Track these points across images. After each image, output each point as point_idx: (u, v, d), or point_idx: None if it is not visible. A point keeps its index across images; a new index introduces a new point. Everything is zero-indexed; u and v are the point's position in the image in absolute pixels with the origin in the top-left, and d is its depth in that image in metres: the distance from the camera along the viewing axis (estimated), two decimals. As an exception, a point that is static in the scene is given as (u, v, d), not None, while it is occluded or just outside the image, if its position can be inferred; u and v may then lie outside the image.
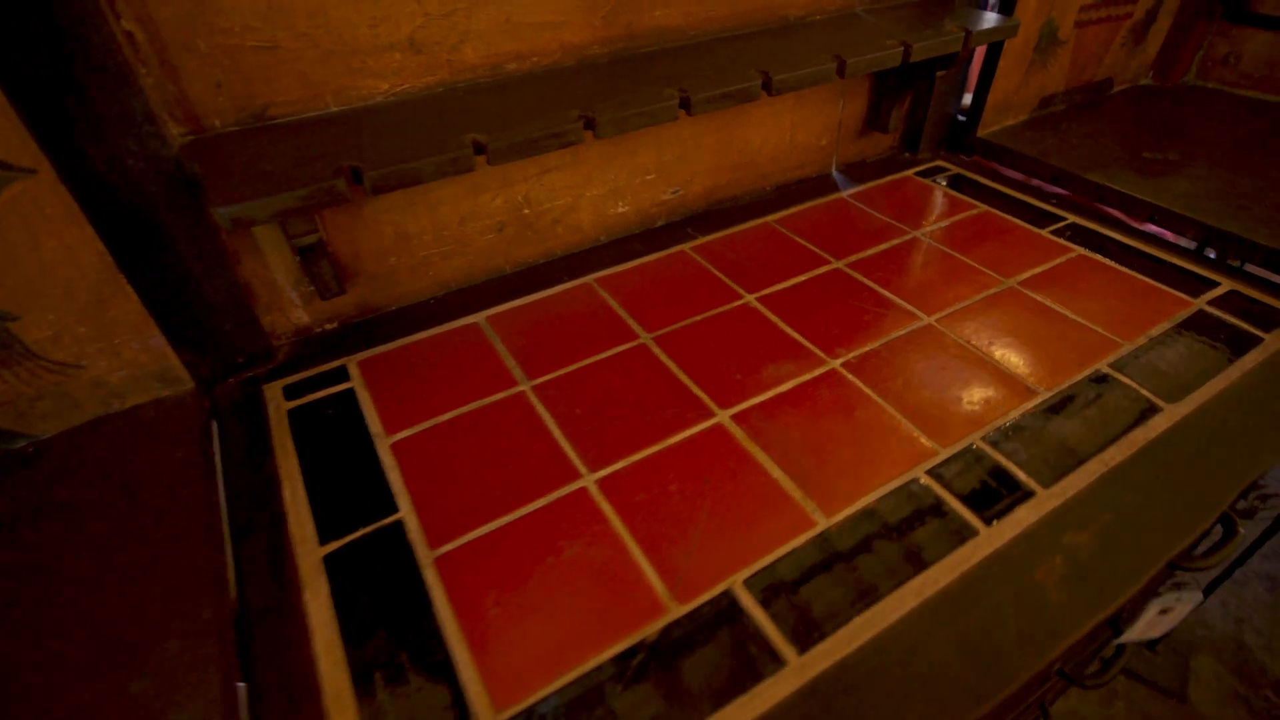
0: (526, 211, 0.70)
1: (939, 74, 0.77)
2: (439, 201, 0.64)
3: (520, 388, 0.57)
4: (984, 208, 0.81)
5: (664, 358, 0.60)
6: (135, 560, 0.42)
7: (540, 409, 0.55)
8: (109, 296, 0.48)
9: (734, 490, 0.48)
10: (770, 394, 0.56)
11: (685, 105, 0.57)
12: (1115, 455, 0.50)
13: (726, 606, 0.41)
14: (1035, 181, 0.87)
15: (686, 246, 0.76)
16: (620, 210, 0.76)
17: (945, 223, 0.78)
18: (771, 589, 0.42)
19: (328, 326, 0.66)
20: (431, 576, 0.43)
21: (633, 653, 0.39)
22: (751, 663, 0.39)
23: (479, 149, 0.50)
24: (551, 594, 0.42)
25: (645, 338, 0.62)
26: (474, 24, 0.57)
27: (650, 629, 0.40)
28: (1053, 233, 0.76)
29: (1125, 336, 0.61)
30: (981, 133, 0.92)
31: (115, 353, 0.50)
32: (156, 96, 0.48)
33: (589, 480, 0.49)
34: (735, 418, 0.54)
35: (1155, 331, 0.62)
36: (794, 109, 0.81)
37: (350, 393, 0.58)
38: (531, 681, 0.38)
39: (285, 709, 0.38)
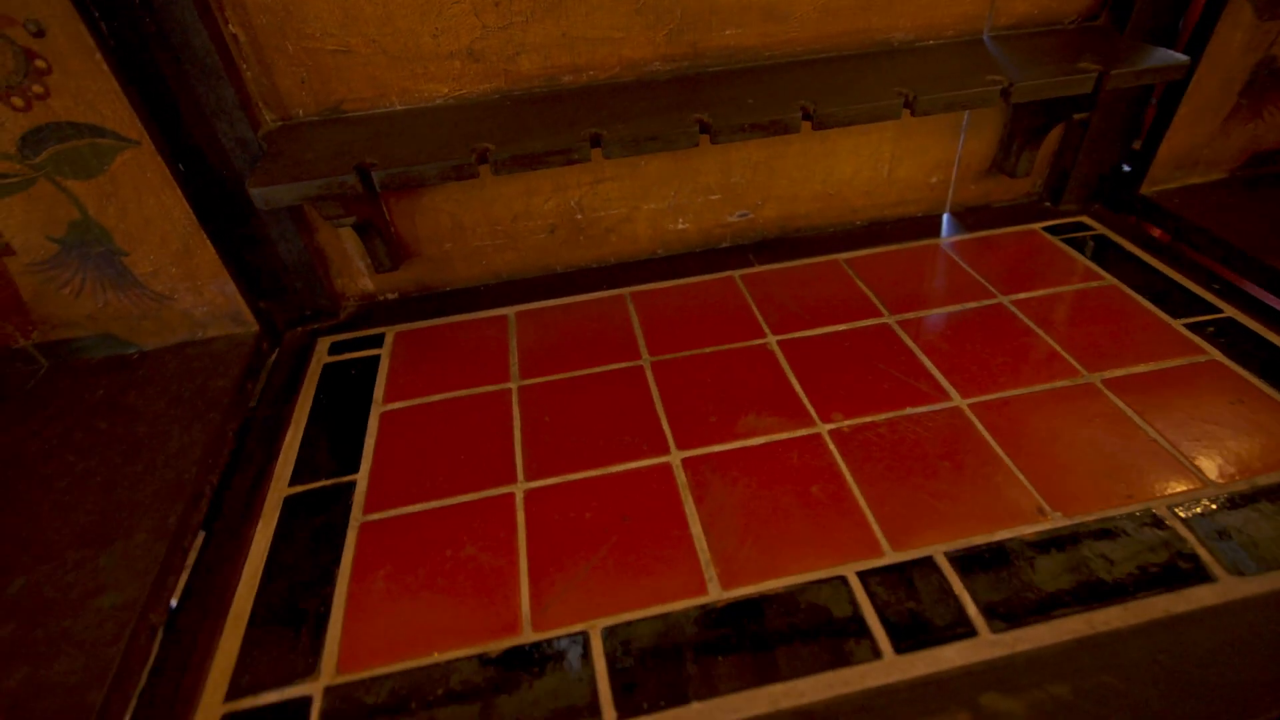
0: (579, 217, 0.72)
1: (1075, 117, 0.65)
2: (493, 199, 0.69)
3: (509, 385, 0.60)
4: (1111, 280, 0.67)
5: (652, 383, 0.59)
6: (146, 463, 0.52)
7: (515, 410, 0.58)
8: (194, 247, 0.59)
9: (646, 534, 0.47)
10: (735, 445, 0.53)
11: (708, 132, 0.55)
12: (1113, 620, 0.40)
13: (576, 648, 0.41)
14: (1203, 259, 0.70)
15: (737, 273, 0.73)
16: (680, 227, 0.75)
17: (1049, 291, 0.66)
18: (624, 645, 0.41)
19: (389, 296, 0.74)
20: (351, 538, 0.48)
21: (473, 661, 0.41)
22: (573, 713, 0.38)
23: (482, 158, 0.53)
24: (433, 585, 0.45)
25: (644, 360, 0.62)
26: (529, 37, 0.60)
27: (496, 645, 0.41)
28: (1189, 326, 0.61)
29: (1214, 474, 0.48)
30: (1147, 189, 0.75)
31: (198, 291, 0.61)
32: (254, 88, 0.58)
33: (519, 487, 0.51)
34: (686, 462, 0.52)
35: (1265, 480, 0.47)
36: (895, 140, 0.73)
37: (375, 360, 0.65)
38: (378, 656, 0.41)
39: (197, 615, 0.45)
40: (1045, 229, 0.76)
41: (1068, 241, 0.74)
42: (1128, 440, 0.51)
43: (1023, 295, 0.66)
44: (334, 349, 0.67)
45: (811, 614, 0.42)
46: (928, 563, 0.44)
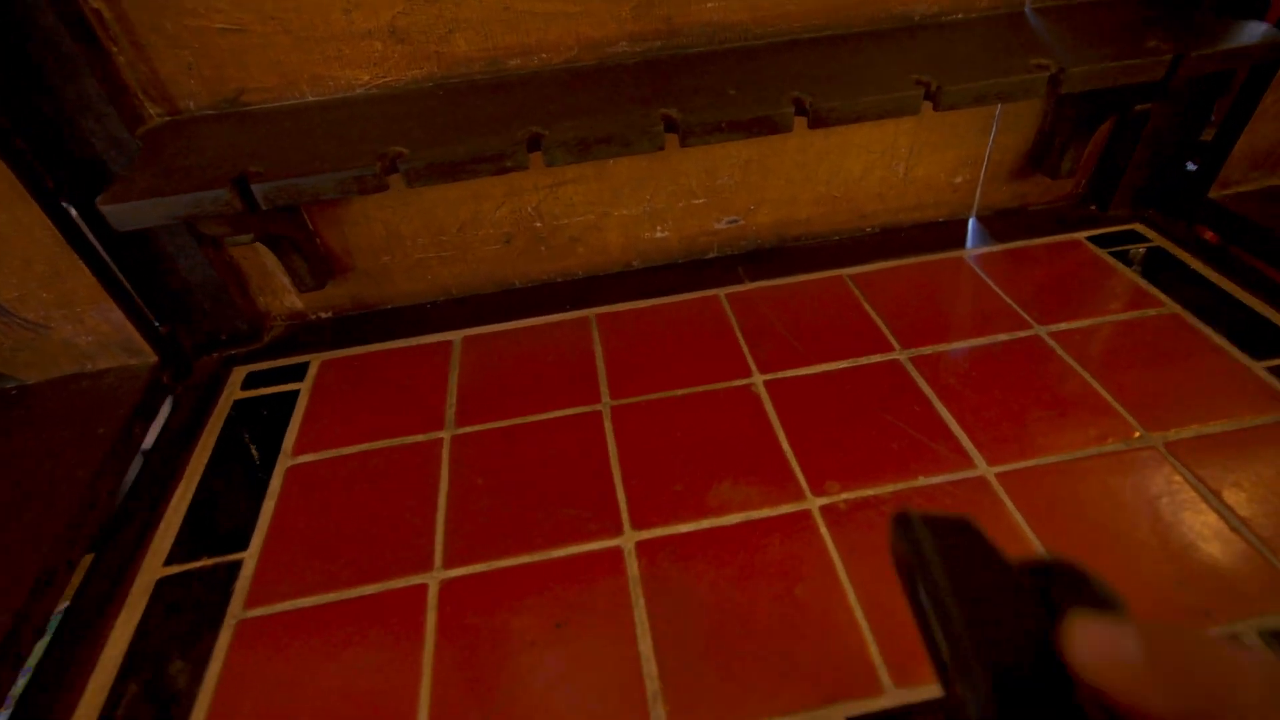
0: (538, 225, 0.62)
1: (1137, 109, 0.53)
2: (434, 205, 0.59)
3: (441, 434, 0.51)
4: (1174, 308, 0.56)
5: (610, 436, 0.49)
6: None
7: (444, 468, 0.48)
8: (65, 269, 0.49)
9: (580, 651, 0.37)
10: (703, 524, 0.43)
11: (675, 131, 0.44)
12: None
13: (477, 818, 0.32)
14: (1286, 279, 0.58)
15: (723, 292, 0.62)
16: (659, 235, 0.65)
17: (1096, 321, 0.55)
18: (541, 818, 0.32)
19: (322, 315, 0.64)
20: (225, 640, 0.39)
21: (343, 834, 0.32)
22: None
23: (391, 167, 0.43)
24: (312, 707, 0.36)
25: (604, 403, 0.52)
26: (464, 12, 0.49)
27: (376, 811, 0.32)
28: (1273, 370, 0.49)
29: (1318, 585, 0.37)
30: (1217, 193, 0.63)
31: (78, 319, 0.52)
32: (130, 76, 0.48)
33: (434, 577, 0.41)
34: (642, 546, 0.42)
35: (1386, 591, 0.37)
36: (913, 133, 0.62)
37: (293, 396, 0.55)
38: (227, 822, 0.32)
39: (21, 746, 0.36)
40: (1091, 239, 0.64)
41: (1117, 255, 0.62)
42: (1204, 532, 0.40)
43: (1064, 326, 0.55)
44: (250, 381, 0.58)
45: (784, 781, 0.32)
46: (938, 705, 0.34)
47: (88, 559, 0.45)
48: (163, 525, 0.46)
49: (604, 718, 0.34)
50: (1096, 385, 0.49)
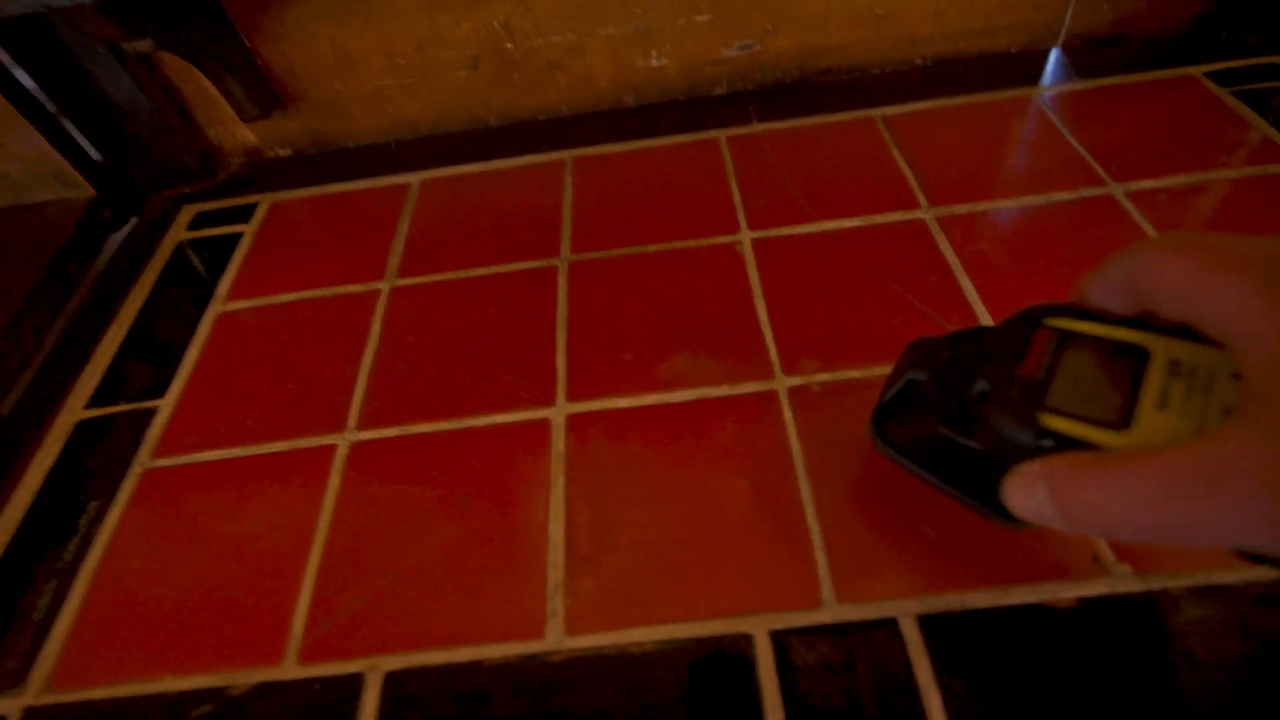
0: (509, 46, 0.52)
1: None
2: (385, 17, 0.50)
3: (380, 285, 0.45)
4: (1307, 164, 0.42)
5: (562, 295, 0.42)
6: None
7: (376, 322, 0.43)
8: (-31, 84, 0.44)
9: (487, 529, 0.33)
10: (648, 400, 0.37)
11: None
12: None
13: (343, 699, 0.29)
14: None
15: (725, 134, 0.52)
16: (655, 64, 0.54)
17: (1198, 178, 0.43)
18: (408, 703, 0.28)
19: (280, 152, 0.58)
20: (129, 487, 0.37)
21: (211, 698, 0.30)
22: (318, 791, 0.27)
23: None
24: (196, 575, 0.33)
25: (563, 258, 0.45)
26: None
27: (244, 678, 0.30)
28: None
29: None
30: None
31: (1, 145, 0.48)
32: None
33: (345, 438, 0.37)
34: (574, 420, 0.36)
35: None
36: (988, -76, 0.47)
37: (236, 238, 0.51)
38: (98, 675, 0.31)
39: (-73, 576, 0.36)
40: (1210, 75, 0.50)
41: (1244, 97, 0.48)
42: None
43: (1149, 184, 0.43)
44: (198, 221, 0.53)
45: (686, 693, 0.27)
46: (889, 627, 0.28)
47: (13, 397, 0.43)
48: (90, 367, 0.44)
49: (497, 604, 0.30)
50: (1176, 259, 0.39)
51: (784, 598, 0.29)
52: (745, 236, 0.44)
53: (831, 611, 0.29)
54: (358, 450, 0.37)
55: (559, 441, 0.35)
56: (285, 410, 0.39)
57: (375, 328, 0.43)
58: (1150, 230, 0.40)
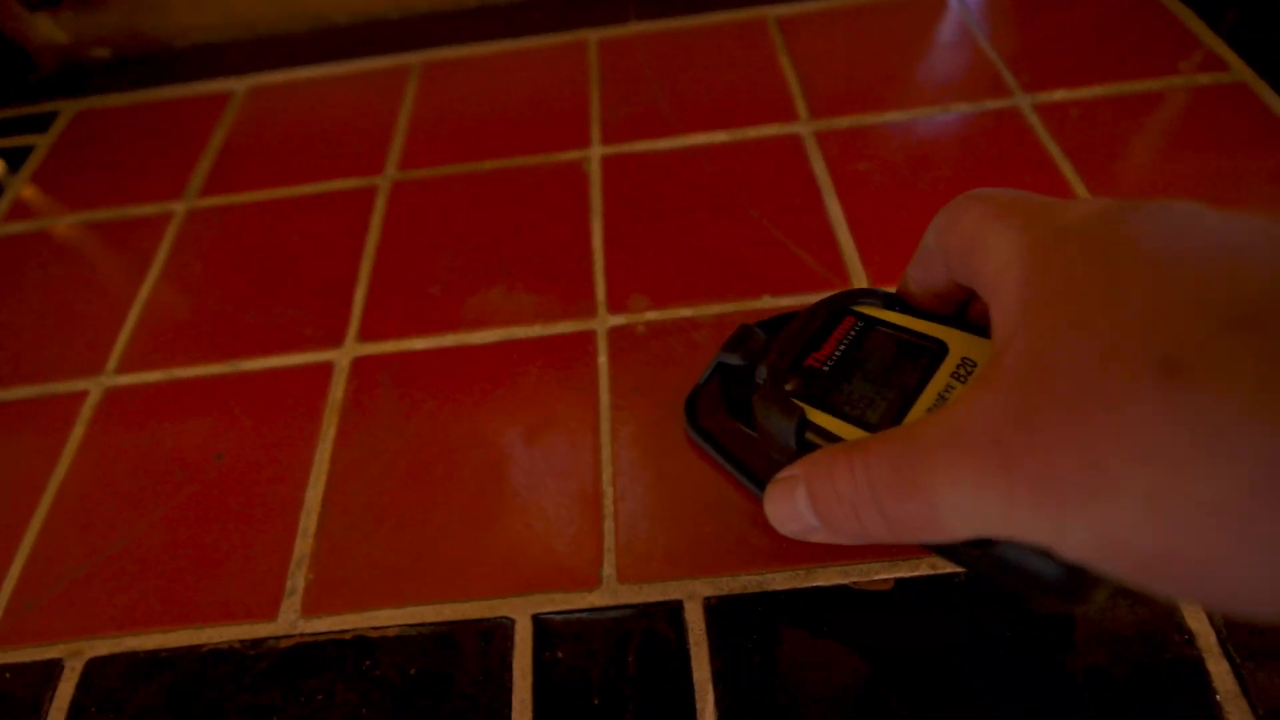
0: (344, -76, 0.44)
1: None
2: (184, -119, 0.42)
3: (175, 207, 0.39)
4: (1245, 75, 0.36)
5: (376, 219, 0.36)
6: None
7: (163, 248, 0.37)
8: None
9: (243, 490, 0.28)
10: (446, 341, 0.31)
11: None
12: None
13: (39, 685, 0.25)
14: None
15: (595, 35, 0.45)
16: (522, -50, 0.46)
17: (1117, 89, 0.37)
18: (106, 695, 0.24)
19: (98, 53, 0.50)
20: None
21: (-113, 684, 0.25)
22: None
23: None
24: (-96, 537, 0.28)
25: (386, 176, 0.38)
26: None
27: (-74, 662, 0.25)
28: (1368, 171, 0.32)
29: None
30: (1384, -110, 0.40)
31: None
32: None
33: (100, 383, 0.32)
34: (359, 365, 0.31)
35: None
36: None
37: (27, 151, 0.44)
38: None
39: None
40: (1156, -29, 0.43)
41: (1194, 3, 0.41)
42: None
43: (1061, 95, 0.37)
44: (-8, 132, 0.46)
45: (420, 686, 0.23)
46: (671, 611, 0.24)
47: None
48: None
49: (231, 579, 0.26)
50: (1080, 188, 0.33)
51: (559, 576, 0.25)
52: (595, 153, 0.38)
53: (610, 593, 0.24)
54: (112, 396, 0.31)
55: (338, 389, 0.30)
56: (46, 350, 0.34)
57: (160, 255, 0.37)
58: (1053, 149, 0.35)
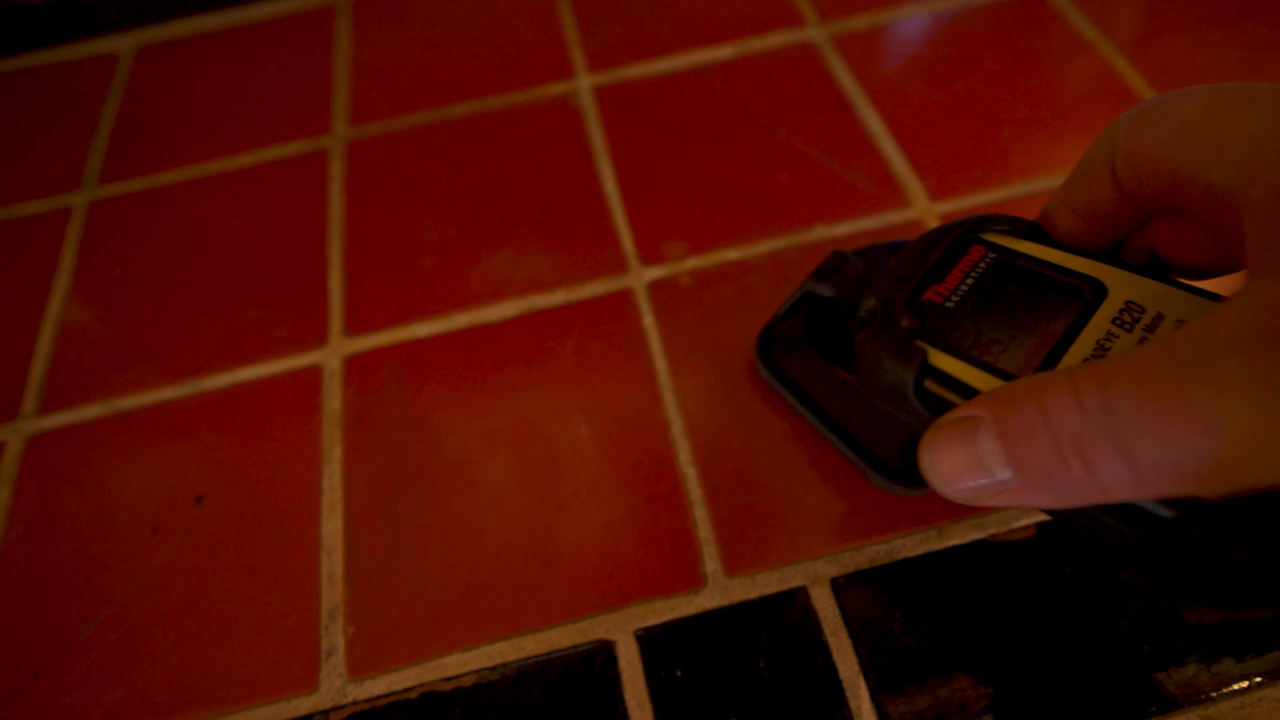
0: None
1: None
2: None
3: (73, 200, 0.31)
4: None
5: (336, 186, 0.30)
6: None
7: (69, 253, 0.30)
8: None
9: (240, 536, 0.23)
10: (458, 322, 0.26)
11: None
12: None
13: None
14: None
15: (554, -51, 0.39)
16: None
17: (1140, -39, 0.34)
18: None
19: (-70, 23, 0.40)
20: None
21: None
22: None
23: None
24: None
25: (336, 135, 0.32)
26: None
27: None
28: None
29: None
30: None
31: None
32: None
33: (18, 430, 0.25)
34: (352, 364, 0.26)
35: None
36: None
37: None
38: None
39: None
40: None
41: None
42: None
43: (1086, -30, 0.34)
44: None
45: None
46: (800, 599, 0.20)
47: None
48: None
49: (250, 646, 0.21)
50: (1130, 72, 0.30)
51: (655, 581, 0.21)
52: (584, 83, 0.32)
53: (719, 591, 0.21)
54: (38, 444, 0.25)
55: (333, 397, 0.25)
56: (-68, 397, 0.27)
57: (65, 261, 0.29)
58: (1109, 48, 0.31)
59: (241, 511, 0.23)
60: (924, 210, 0.27)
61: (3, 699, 0.21)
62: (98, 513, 0.23)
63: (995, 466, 0.14)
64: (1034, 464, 0.13)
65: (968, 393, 0.16)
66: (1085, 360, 0.15)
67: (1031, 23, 0.32)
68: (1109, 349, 0.15)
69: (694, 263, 0.27)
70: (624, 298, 0.26)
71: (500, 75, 0.33)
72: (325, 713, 0.20)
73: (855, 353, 0.18)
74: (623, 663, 0.20)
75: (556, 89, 0.32)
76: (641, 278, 0.26)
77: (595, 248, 0.27)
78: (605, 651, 0.20)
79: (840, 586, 0.20)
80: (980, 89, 0.30)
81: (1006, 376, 0.15)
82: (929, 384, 0.16)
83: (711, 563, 0.21)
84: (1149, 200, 0.15)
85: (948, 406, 0.16)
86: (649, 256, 0.27)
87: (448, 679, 0.20)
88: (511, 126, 0.31)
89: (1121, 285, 0.16)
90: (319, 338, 0.26)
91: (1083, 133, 0.28)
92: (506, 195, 0.29)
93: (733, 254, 0.27)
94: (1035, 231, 0.18)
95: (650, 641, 0.20)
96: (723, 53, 0.33)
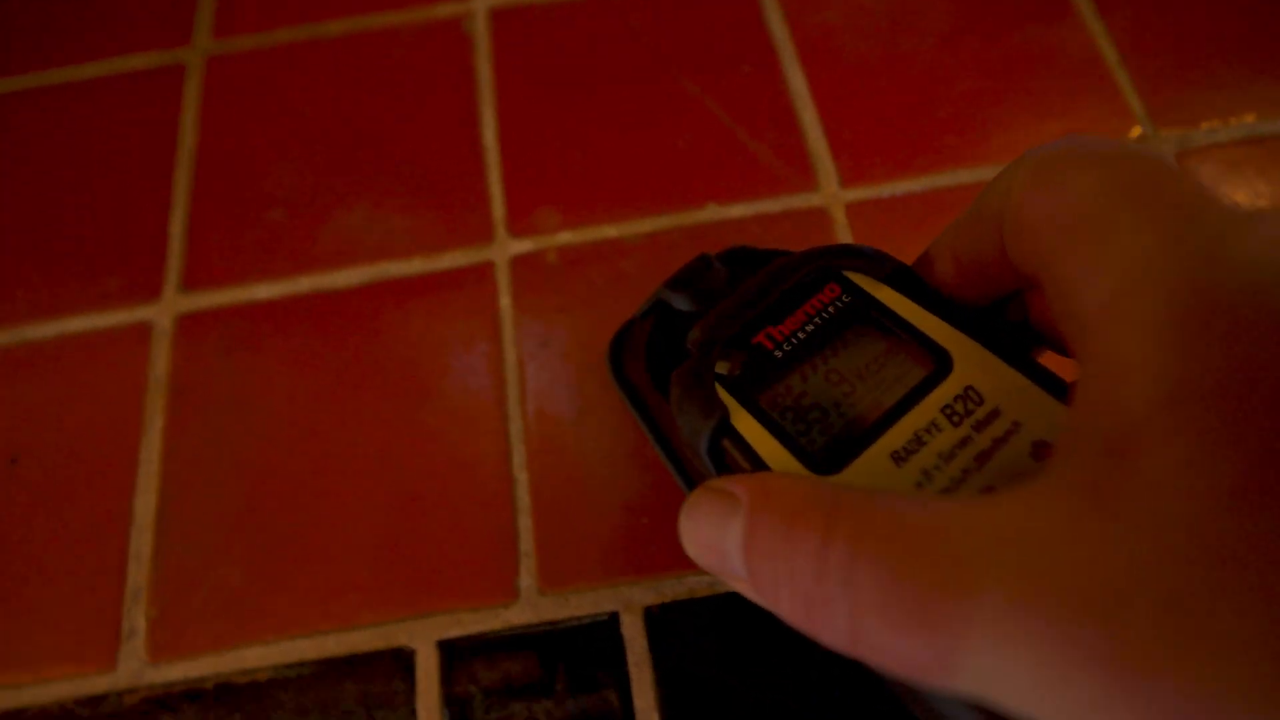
0: None
1: None
2: None
3: (-95, 101, 0.28)
4: None
5: (189, 114, 0.27)
6: None
7: (-104, 164, 0.27)
8: None
9: (50, 505, 0.22)
10: (301, 286, 0.24)
11: None
12: None
13: None
14: None
15: None
16: None
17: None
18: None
19: None
20: None
21: None
22: None
23: None
24: None
25: (196, 48, 0.28)
26: None
27: None
28: None
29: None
30: None
31: None
32: None
33: None
34: (184, 324, 0.24)
35: None
36: None
37: None
38: None
39: None
40: None
41: None
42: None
43: (1083, -96, 0.28)
44: None
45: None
46: (609, 625, 0.20)
47: None
48: None
49: (52, 619, 0.20)
50: (1108, 45, 0.26)
51: (468, 590, 0.20)
52: (480, 4, 0.28)
53: (530, 607, 0.20)
54: None
55: (160, 359, 0.23)
56: None
57: (-106, 176, 0.27)
58: (1087, 9, 0.27)
59: (56, 478, 0.22)
60: (830, 197, 0.24)
61: None
62: (-91, 466, 0.22)
63: (735, 563, 0.13)
64: (764, 582, 0.12)
65: (760, 465, 0.14)
66: (896, 452, 0.13)
67: (1006, -33, 0.28)
68: (925, 444, 0.13)
69: (566, 237, 0.24)
70: (484, 272, 0.24)
71: (387, -14, 0.29)
72: (120, 694, 0.20)
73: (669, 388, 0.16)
74: (420, 673, 0.19)
75: (447, 9, 0.28)
76: (506, 250, 0.24)
77: (462, 210, 0.25)
78: (406, 659, 0.20)
79: (653, 616, 0.20)
80: (925, 51, 0.26)
81: (808, 458, 0.14)
82: (726, 443, 0.15)
83: (527, 577, 0.20)
84: (1028, 273, 0.13)
85: (739, 471, 0.15)
86: (518, 226, 0.24)
87: (244, 671, 0.20)
88: (392, 53, 0.28)
89: (969, 364, 0.14)
90: (153, 290, 0.24)
91: (1035, 118, 0.25)
92: (374, 137, 0.26)
93: (610, 230, 0.24)
94: (903, 276, 0.16)
95: (451, 653, 0.20)
96: (642, -23, 0.28)
